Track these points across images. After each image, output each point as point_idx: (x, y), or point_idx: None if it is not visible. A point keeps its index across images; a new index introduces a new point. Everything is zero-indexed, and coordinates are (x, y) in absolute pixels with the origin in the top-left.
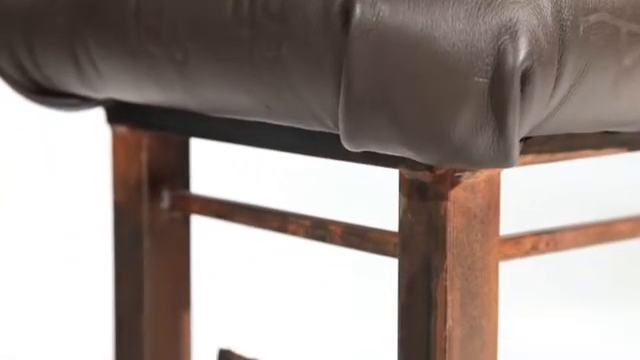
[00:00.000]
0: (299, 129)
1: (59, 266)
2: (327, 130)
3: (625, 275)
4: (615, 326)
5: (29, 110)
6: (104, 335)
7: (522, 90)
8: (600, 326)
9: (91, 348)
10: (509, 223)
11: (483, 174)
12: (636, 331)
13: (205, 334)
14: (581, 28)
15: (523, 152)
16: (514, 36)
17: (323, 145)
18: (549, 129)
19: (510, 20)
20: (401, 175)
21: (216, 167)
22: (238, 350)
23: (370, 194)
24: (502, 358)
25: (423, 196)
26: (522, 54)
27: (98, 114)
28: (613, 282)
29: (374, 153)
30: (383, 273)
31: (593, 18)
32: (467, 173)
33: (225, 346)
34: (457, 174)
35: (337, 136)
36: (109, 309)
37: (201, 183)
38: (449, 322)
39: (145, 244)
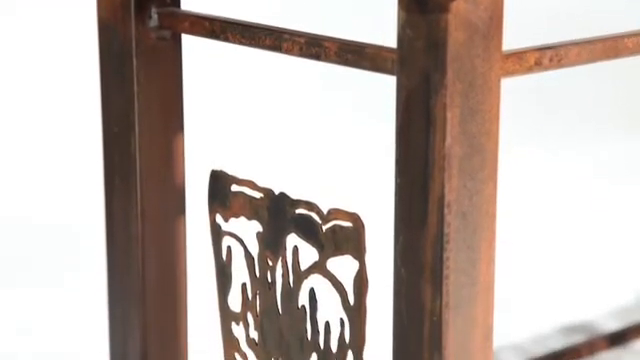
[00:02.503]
0: None
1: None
2: None
3: (627, 103)
4: (614, 156)
5: None
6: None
7: None
8: (598, 157)
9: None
10: (512, 41)
11: None
12: (635, 161)
13: (198, 156)
14: None
15: None
16: None
17: None
18: None
19: None
20: None
21: None
22: (231, 172)
23: (367, 11)
24: (500, 186)
25: (423, 9)
26: None
27: None
28: (615, 111)
29: None
30: (380, 92)
31: None
32: None
33: (218, 168)
34: None
35: None
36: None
37: (191, 0)
38: (448, 140)
39: (134, 64)
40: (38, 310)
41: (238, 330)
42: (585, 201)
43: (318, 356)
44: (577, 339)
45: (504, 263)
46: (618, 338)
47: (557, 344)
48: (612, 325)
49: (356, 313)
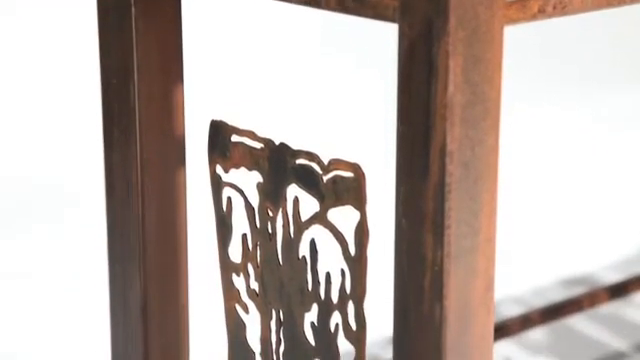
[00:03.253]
0: None
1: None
2: None
3: (628, 55)
4: (615, 108)
5: None
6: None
7: None
8: (599, 109)
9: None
10: None
11: None
12: (636, 112)
13: (198, 107)
14: None
15: None
16: None
17: None
18: None
19: None
20: None
21: None
22: (231, 122)
23: None
24: (501, 138)
25: None
26: None
27: None
28: (616, 62)
29: None
30: (382, 41)
31: None
32: None
33: (218, 118)
34: None
35: None
36: None
37: None
38: (450, 88)
39: (132, 12)
40: (38, 260)
41: (238, 281)
42: (586, 153)
43: (319, 307)
44: (578, 291)
45: (505, 215)
46: (619, 290)
47: (558, 296)
48: (613, 277)
49: (357, 264)
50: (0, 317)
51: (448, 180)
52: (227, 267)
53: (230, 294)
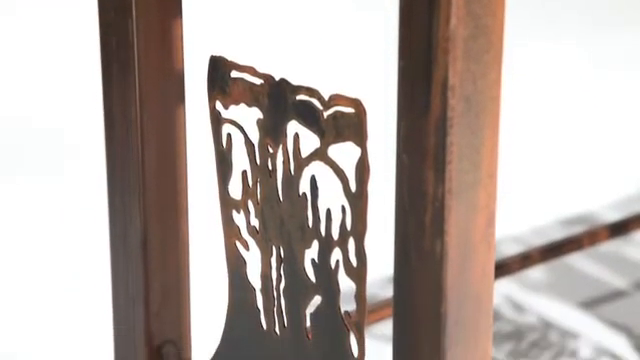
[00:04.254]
0: None
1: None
2: None
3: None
4: (613, 48)
5: None
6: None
7: None
8: (599, 50)
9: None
10: None
11: None
12: (635, 51)
13: (197, 42)
14: None
15: None
16: None
17: None
18: None
19: None
20: None
21: None
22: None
23: None
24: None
25: None
26: None
27: None
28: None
29: None
30: None
31: None
32: None
33: (217, 54)
34: None
35: None
36: None
37: None
38: (453, 20)
39: None
40: (38, 199)
41: (239, 218)
42: (587, 92)
43: (319, 243)
44: (578, 230)
45: (504, 154)
46: (619, 228)
47: (558, 235)
48: (613, 216)
49: (357, 200)
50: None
51: (450, 115)
52: (227, 204)
53: (230, 231)
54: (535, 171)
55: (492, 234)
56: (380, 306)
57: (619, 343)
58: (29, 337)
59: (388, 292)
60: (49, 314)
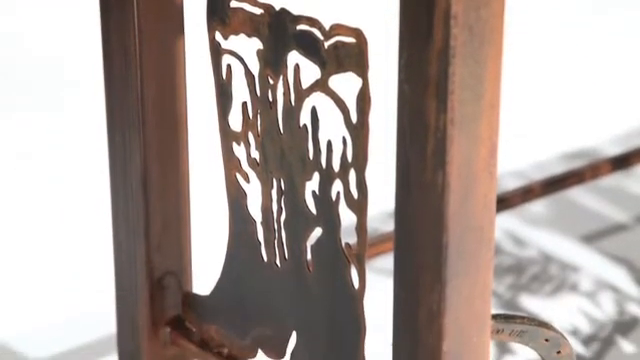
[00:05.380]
0: None
1: None
2: None
3: None
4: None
5: None
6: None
7: None
8: None
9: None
10: None
11: None
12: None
13: None
14: None
15: None
16: None
17: None
18: None
19: None
20: None
21: None
22: None
23: None
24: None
25: None
26: None
27: None
28: None
29: None
30: None
31: None
32: None
33: None
34: None
35: None
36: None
37: None
38: None
39: None
40: (38, 134)
41: (239, 150)
42: (591, 26)
43: (320, 175)
44: (579, 164)
45: (505, 88)
46: (621, 162)
47: (559, 170)
48: (615, 150)
49: (359, 131)
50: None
51: (452, 44)
52: (227, 136)
53: (231, 163)
54: (536, 105)
55: (494, 165)
56: (381, 240)
57: (619, 276)
58: (29, 269)
59: (389, 226)
60: (49, 250)
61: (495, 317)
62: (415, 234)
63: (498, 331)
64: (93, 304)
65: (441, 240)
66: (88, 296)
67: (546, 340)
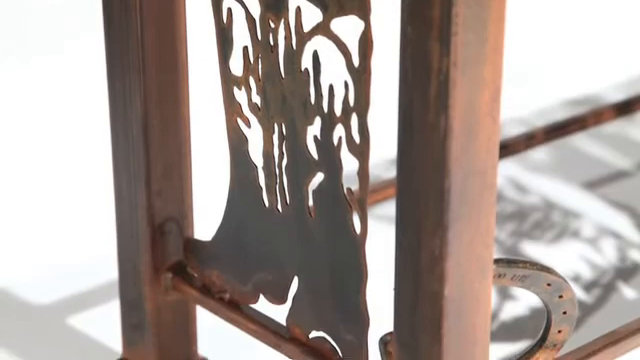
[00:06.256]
0: None
1: None
2: None
3: None
4: None
5: None
6: None
7: None
8: None
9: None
10: None
11: None
12: None
13: None
14: None
15: None
16: None
17: None
18: None
19: None
20: None
21: None
22: None
23: None
24: None
25: None
26: None
27: None
28: None
29: None
30: None
31: None
32: None
33: None
34: None
35: None
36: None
37: None
38: None
39: None
40: (38, 79)
41: (240, 95)
42: None
43: (322, 120)
44: (582, 110)
45: (508, 35)
46: (624, 108)
47: (562, 116)
48: (618, 96)
49: (361, 75)
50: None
51: None
52: (228, 81)
53: (231, 108)
54: (539, 52)
55: (497, 109)
56: (383, 186)
57: (621, 223)
58: (30, 214)
59: (391, 174)
60: (50, 195)
61: (497, 261)
62: (417, 178)
63: (500, 276)
64: (94, 250)
65: (443, 184)
66: (89, 242)
67: (548, 285)
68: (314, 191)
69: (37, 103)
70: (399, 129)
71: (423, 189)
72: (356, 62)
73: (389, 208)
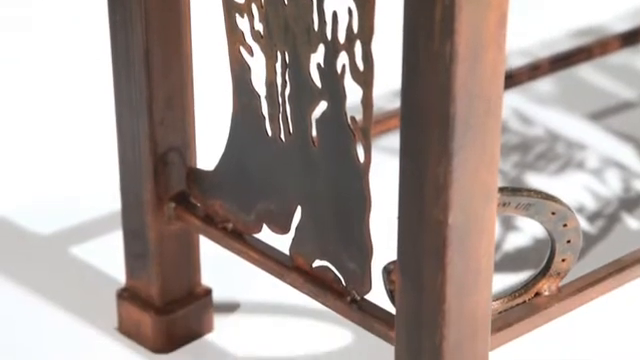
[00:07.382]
0: None
1: None
2: None
3: None
4: None
5: None
6: None
7: None
8: None
9: None
10: None
11: None
12: None
13: None
14: None
15: None
16: None
17: None
18: None
19: None
20: None
21: None
22: None
23: None
24: None
25: None
26: None
27: None
28: None
29: None
30: None
31: None
32: None
33: None
34: None
35: None
36: None
37: None
38: None
39: None
40: (39, 10)
41: (242, 22)
42: None
43: (325, 47)
44: (588, 41)
45: None
46: (631, 37)
47: (567, 47)
48: (623, 26)
49: (365, 1)
50: (3, 63)
51: None
52: (230, 8)
53: (234, 37)
54: None
55: (503, 35)
56: (387, 117)
57: (626, 154)
58: (32, 143)
59: (395, 105)
60: (51, 125)
61: (502, 190)
62: (422, 105)
63: (504, 204)
64: (96, 180)
65: (448, 110)
66: (91, 172)
67: (552, 213)
68: (317, 120)
69: (39, 31)
70: (404, 55)
71: (428, 116)
72: None
73: (393, 139)
